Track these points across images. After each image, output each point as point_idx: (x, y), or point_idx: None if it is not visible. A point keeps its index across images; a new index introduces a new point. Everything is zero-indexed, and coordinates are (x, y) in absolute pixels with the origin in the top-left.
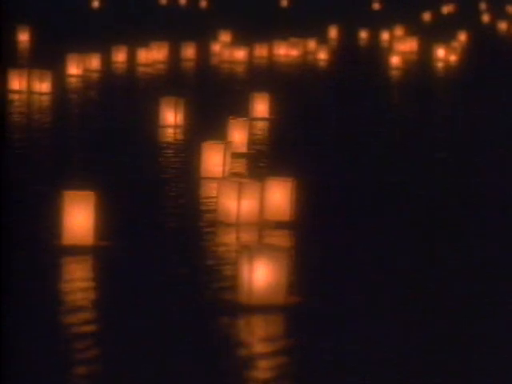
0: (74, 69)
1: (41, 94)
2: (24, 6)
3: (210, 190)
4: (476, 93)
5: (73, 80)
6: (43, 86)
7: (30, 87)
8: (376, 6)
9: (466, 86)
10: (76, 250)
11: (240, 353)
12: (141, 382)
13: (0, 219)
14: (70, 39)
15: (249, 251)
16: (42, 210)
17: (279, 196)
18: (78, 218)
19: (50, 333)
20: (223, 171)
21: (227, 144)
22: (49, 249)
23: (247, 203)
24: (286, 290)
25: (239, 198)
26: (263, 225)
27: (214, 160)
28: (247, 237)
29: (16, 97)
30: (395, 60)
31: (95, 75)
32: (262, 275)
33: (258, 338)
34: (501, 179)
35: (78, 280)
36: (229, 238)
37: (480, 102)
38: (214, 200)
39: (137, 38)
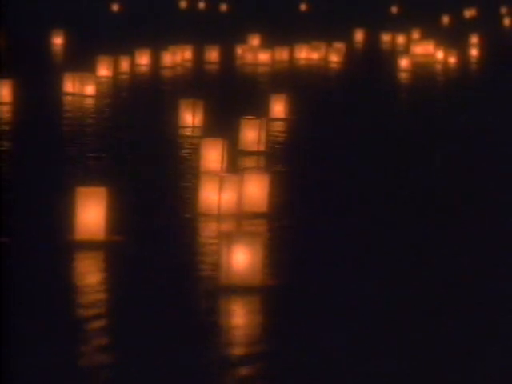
0: (104, 71)
1: (85, 96)
2: (53, 9)
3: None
4: (470, 95)
5: (105, 81)
6: (88, 89)
7: (80, 90)
8: (394, 9)
9: (465, 88)
10: (88, 245)
11: (220, 328)
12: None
13: (13, 214)
14: (97, 42)
15: (228, 237)
16: (55, 205)
17: (257, 189)
18: (91, 213)
19: (62, 326)
20: (221, 167)
21: (225, 140)
22: (61, 243)
23: (227, 196)
24: (263, 272)
25: (220, 191)
26: (242, 216)
27: (212, 156)
28: (228, 226)
29: (69, 99)
30: (405, 63)
31: (125, 77)
32: (240, 259)
33: (237, 315)
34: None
35: (89, 273)
36: (213, 228)
37: (473, 104)
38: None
39: (160, 40)
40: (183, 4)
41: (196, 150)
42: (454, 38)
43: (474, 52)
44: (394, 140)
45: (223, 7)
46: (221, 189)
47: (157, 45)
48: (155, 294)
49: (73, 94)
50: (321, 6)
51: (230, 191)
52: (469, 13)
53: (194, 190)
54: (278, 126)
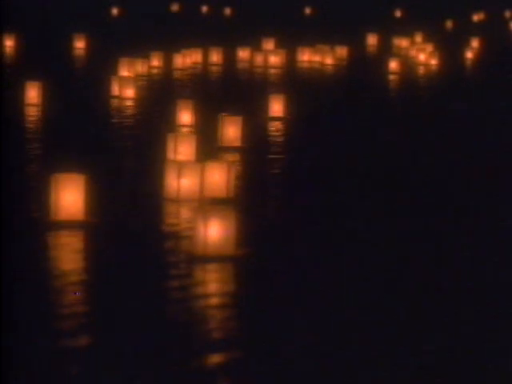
0: (125, 72)
1: (126, 99)
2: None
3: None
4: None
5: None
6: (127, 92)
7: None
8: (398, 13)
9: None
10: (65, 226)
11: (195, 294)
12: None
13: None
14: (115, 45)
15: (204, 210)
16: (36, 191)
17: (218, 176)
18: (69, 198)
19: (42, 300)
20: (192, 159)
21: (193, 135)
22: (40, 224)
23: (188, 182)
24: (235, 243)
25: (179, 178)
26: (203, 201)
27: (182, 149)
28: (193, 208)
29: (115, 103)
30: (405, 66)
31: (144, 79)
32: (215, 230)
33: (211, 281)
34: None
35: (66, 251)
36: (178, 209)
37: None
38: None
39: (171, 43)
40: (175, 7)
41: (173, 144)
42: (454, 42)
43: (470, 55)
44: (386, 142)
45: (228, 11)
46: (181, 175)
47: (169, 48)
48: (133, 262)
49: (117, 97)
50: (325, 9)
51: (193, 178)
52: (477, 17)
53: (162, 177)
54: (271, 125)
